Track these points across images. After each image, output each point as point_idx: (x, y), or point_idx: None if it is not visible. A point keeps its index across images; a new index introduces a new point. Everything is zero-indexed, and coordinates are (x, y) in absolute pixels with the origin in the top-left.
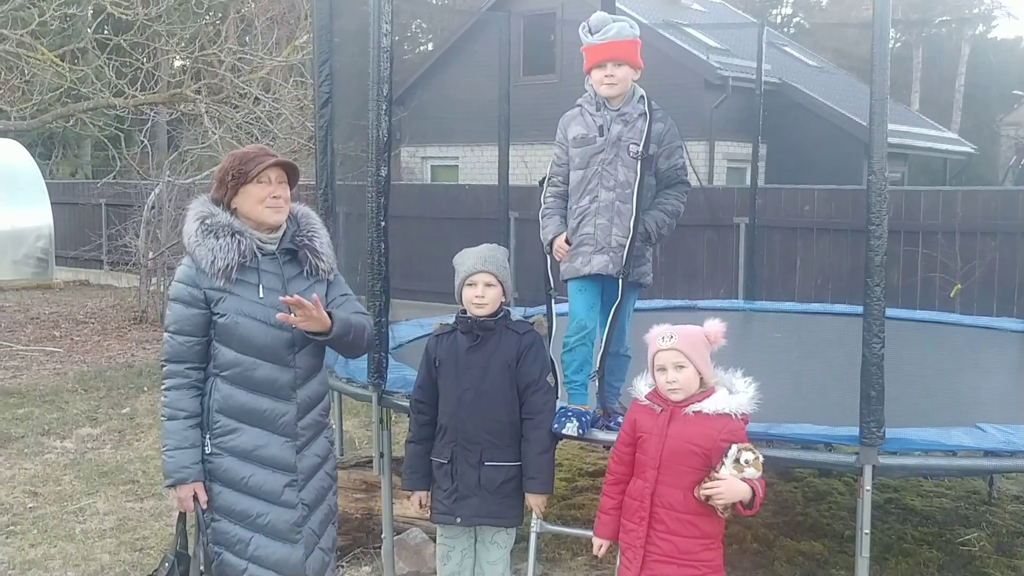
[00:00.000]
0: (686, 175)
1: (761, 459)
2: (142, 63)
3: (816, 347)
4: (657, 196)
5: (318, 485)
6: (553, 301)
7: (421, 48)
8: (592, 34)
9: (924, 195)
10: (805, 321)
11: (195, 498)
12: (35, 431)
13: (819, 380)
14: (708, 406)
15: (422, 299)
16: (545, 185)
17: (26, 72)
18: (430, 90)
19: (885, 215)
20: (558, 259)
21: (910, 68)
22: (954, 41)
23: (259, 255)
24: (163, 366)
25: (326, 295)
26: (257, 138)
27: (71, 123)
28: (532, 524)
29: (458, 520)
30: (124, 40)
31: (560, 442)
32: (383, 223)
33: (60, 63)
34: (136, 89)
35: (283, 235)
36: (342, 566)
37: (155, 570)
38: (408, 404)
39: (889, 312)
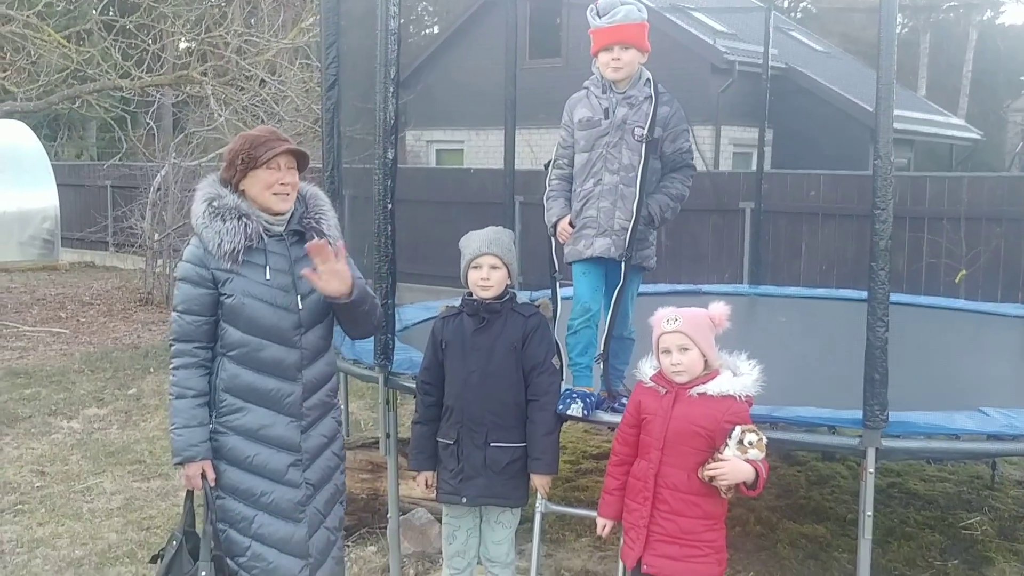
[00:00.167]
0: (691, 159)
1: (765, 440)
2: (148, 45)
3: (821, 331)
4: (662, 180)
5: (324, 465)
6: (558, 284)
7: (427, 31)
8: (600, 17)
9: (930, 180)
10: (810, 306)
11: (203, 476)
12: (42, 411)
13: (823, 364)
14: (712, 388)
15: (428, 283)
16: (550, 168)
17: (32, 53)
18: (435, 73)
19: (891, 200)
20: (562, 241)
21: (917, 53)
22: (962, 26)
23: (266, 237)
24: (171, 345)
25: None
26: (263, 120)
27: (77, 104)
28: (537, 504)
29: (464, 500)
30: (130, 21)
31: (565, 424)
32: (390, 205)
33: (66, 44)
34: (142, 71)
35: (291, 217)
36: (348, 545)
37: (163, 548)
38: (414, 385)
39: (894, 297)
